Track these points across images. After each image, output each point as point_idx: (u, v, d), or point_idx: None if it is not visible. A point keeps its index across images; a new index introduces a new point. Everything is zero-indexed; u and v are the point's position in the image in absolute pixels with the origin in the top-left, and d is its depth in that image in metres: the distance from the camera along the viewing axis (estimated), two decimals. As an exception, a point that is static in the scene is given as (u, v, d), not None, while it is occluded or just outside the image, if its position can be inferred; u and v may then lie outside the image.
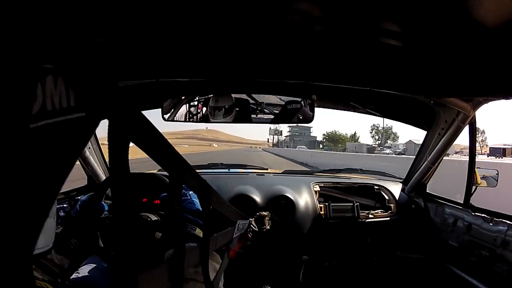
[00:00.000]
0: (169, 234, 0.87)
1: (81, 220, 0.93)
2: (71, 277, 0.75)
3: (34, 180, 0.18)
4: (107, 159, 1.69)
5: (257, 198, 1.65)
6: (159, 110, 1.45)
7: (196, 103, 1.46)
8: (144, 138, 0.32)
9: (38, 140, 0.18)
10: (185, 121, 1.48)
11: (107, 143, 0.29)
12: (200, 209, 0.91)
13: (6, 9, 0.16)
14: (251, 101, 1.43)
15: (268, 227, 1.29)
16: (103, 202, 0.97)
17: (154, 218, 0.97)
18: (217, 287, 0.72)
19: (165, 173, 1.28)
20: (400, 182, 1.91)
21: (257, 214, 1.29)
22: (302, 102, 1.41)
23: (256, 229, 1.18)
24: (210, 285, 0.61)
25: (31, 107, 0.17)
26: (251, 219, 1.15)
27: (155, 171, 1.66)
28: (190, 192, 0.97)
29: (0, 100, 0.16)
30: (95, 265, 0.83)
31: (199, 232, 0.86)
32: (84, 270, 0.83)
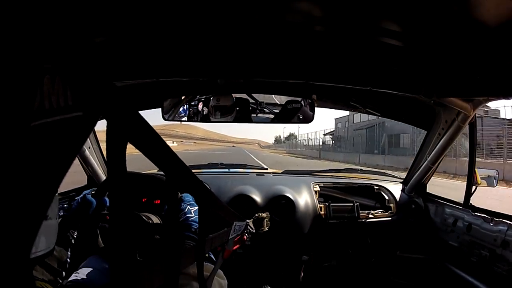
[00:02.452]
0: (168, 238, 0.87)
1: (81, 212, 0.92)
2: (71, 278, 0.75)
3: (32, 178, 0.18)
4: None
5: (257, 198, 1.65)
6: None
7: (196, 102, 1.46)
8: (141, 139, 0.32)
9: (36, 138, 0.18)
10: (185, 121, 1.49)
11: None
12: None
13: (6, 9, 0.16)
14: (251, 101, 1.44)
15: (266, 229, 1.26)
16: (105, 198, 0.96)
17: (155, 219, 0.97)
18: (210, 286, 0.72)
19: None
20: (400, 182, 1.91)
21: (256, 215, 1.26)
22: (302, 102, 1.41)
23: (254, 231, 1.17)
24: (204, 285, 0.61)
25: (32, 106, 0.17)
26: (248, 221, 1.14)
27: (155, 171, 1.66)
28: (195, 209, 0.96)
29: (1, 100, 0.16)
30: (94, 266, 0.83)
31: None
32: (83, 271, 0.83)
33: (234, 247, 1.01)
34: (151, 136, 0.34)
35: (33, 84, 0.17)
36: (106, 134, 0.27)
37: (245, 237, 1.09)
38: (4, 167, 0.16)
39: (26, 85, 0.17)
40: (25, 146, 0.17)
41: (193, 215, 0.93)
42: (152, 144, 0.35)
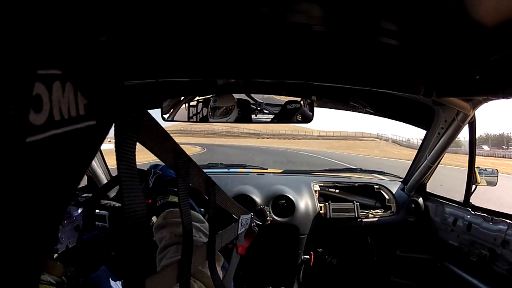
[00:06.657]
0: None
1: (85, 255, 0.94)
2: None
3: (43, 193, 0.17)
4: (107, 160, 1.69)
5: (257, 198, 1.65)
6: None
7: (195, 103, 1.46)
8: (150, 138, 0.32)
9: (45, 152, 0.17)
10: (184, 121, 1.49)
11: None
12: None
13: (7, 10, 0.15)
14: (251, 101, 1.44)
15: (271, 218, 1.37)
16: (96, 231, 0.98)
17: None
18: (228, 285, 0.71)
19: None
20: (400, 181, 1.91)
21: (257, 208, 1.37)
22: (302, 102, 1.41)
23: (260, 223, 1.19)
24: (219, 284, 0.60)
25: (27, 119, 0.16)
26: (252, 214, 1.16)
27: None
28: (161, 166, 0.92)
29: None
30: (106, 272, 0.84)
31: (172, 198, 0.84)
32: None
33: (248, 242, 1.01)
34: (161, 134, 0.34)
35: (28, 94, 0.16)
36: (115, 134, 0.26)
37: (255, 229, 1.10)
38: (15, 182, 0.16)
39: (22, 95, 0.16)
40: (32, 161, 0.17)
41: (159, 172, 0.91)
42: (162, 142, 0.35)
